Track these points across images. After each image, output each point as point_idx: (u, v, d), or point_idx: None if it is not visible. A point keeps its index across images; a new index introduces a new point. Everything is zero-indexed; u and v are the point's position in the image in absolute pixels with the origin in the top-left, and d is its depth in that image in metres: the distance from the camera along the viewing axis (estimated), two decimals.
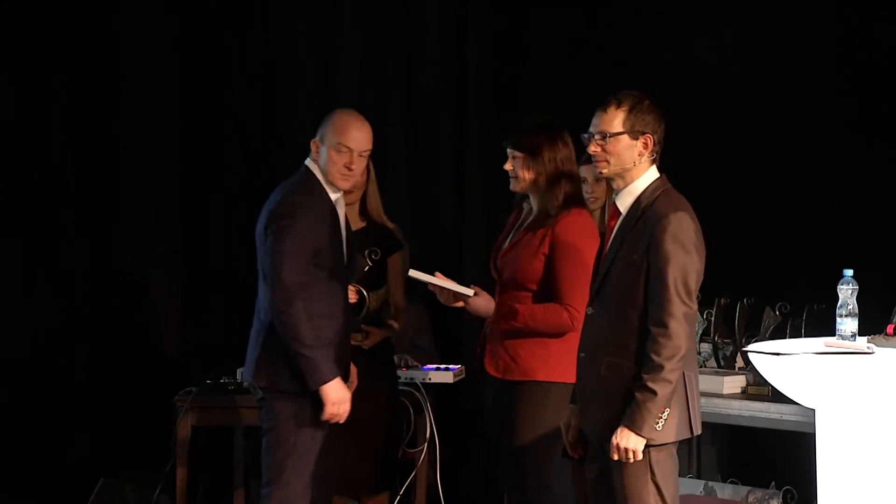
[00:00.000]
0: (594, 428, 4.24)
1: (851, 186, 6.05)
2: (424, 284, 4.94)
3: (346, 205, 5.30)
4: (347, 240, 5.09)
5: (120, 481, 6.59)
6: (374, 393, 5.58)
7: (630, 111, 4.22)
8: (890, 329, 4.41)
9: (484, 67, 6.97)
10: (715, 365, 5.67)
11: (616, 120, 4.22)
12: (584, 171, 5.46)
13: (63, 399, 7.00)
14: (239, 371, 6.01)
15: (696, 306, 4.17)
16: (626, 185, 4.26)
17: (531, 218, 4.95)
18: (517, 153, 4.91)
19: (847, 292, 4.34)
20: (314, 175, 4.98)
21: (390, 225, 5.82)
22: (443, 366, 6.28)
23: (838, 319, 4.35)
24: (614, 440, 4.11)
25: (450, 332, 6.74)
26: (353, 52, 7.22)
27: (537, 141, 4.88)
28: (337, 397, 4.86)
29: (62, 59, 7.07)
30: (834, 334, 4.38)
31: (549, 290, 4.83)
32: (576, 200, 4.90)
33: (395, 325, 5.80)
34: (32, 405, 6.94)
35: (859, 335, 4.37)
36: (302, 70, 7.29)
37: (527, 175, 4.89)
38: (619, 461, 4.13)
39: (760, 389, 5.32)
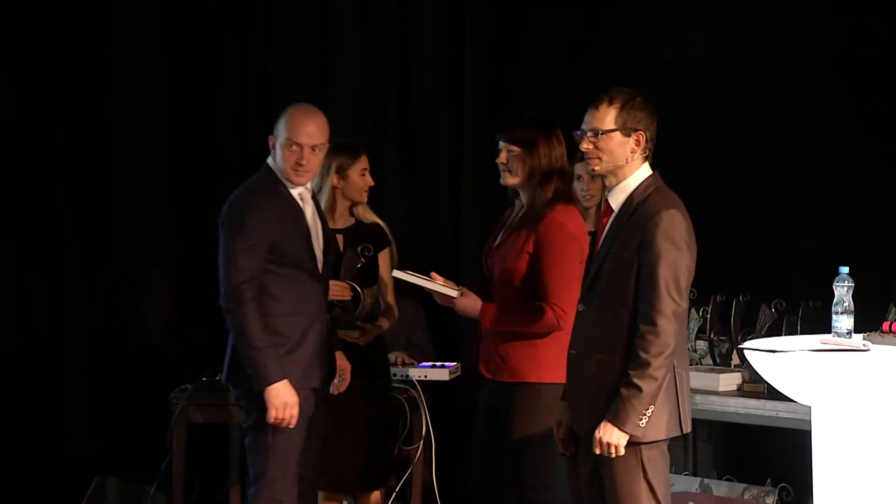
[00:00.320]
0: (584, 425, 4.24)
1: (848, 184, 6.05)
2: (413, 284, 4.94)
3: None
4: (325, 237, 5.05)
5: (116, 479, 6.60)
6: (367, 390, 5.59)
7: (622, 108, 4.21)
8: (885, 326, 4.40)
9: (481, 67, 6.97)
10: (711, 362, 5.66)
11: (608, 117, 4.22)
12: (580, 169, 5.46)
13: (59, 397, 7.00)
14: None
15: (686, 304, 4.16)
16: (618, 183, 4.25)
17: (520, 215, 4.94)
18: (513, 147, 4.89)
19: (843, 289, 4.33)
20: (273, 172, 4.95)
21: (378, 221, 5.78)
22: (439, 363, 6.28)
23: (834, 317, 4.34)
24: (597, 434, 4.12)
25: (446, 329, 6.74)
26: (350, 51, 7.21)
27: (534, 135, 4.87)
28: (280, 401, 4.78)
29: (62, 59, 7.07)
30: (830, 331, 4.37)
31: (536, 289, 4.83)
32: (564, 197, 4.89)
33: (387, 322, 5.79)
34: (28, 403, 6.94)
35: (855, 332, 4.36)
36: (297, 70, 7.29)
37: (522, 170, 4.88)
38: (609, 459, 4.13)
39: (756, 387, 5.32)
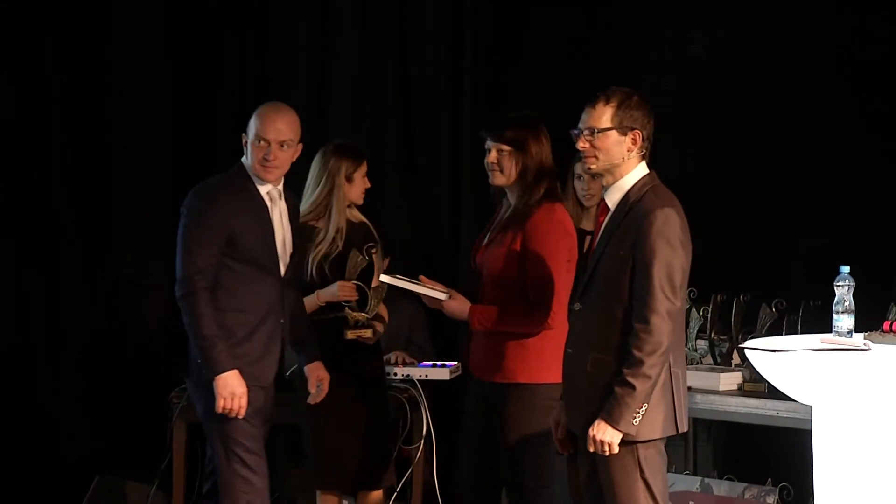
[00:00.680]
0: (581, 424, 4.24)
1: (848, 184, 6.05)
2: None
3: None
4: (294, 239, 5.01)
5: (116, 479, 6.59)
6: (364, 390, 5.59)
7: (618, 107, 4.22)
8: (886, 326, 4.41)
9: (481, 67, 6.96)
10: (711, 361, 5.67)
11: (604, 116, 4.22)
12: (580, 168, 5.46)
13: (59, 397, 6.99)
14: None
15: (680, 303, 4.16)
16: (614, 181, 4.26)
17: (507, 214, 4.93)
18: (504, 146, 4.88)
19: (843, 289, 4.34)
20: (244, 169, 4.95)
21: (364, 220, 5.76)
22: (439, 363, 6.28)
23: (835, 316, 4.35)
24: (591, 432, 4.12)
25: (446, 329, 6.73)
26: (350, 51, 7.21)
27: (524, 135, 4.87)
28: (227, 391, 4.78)
29: (62, 59, 7.07)
30: (830, 331, 4.38)
31: (525, 288, 4.82)
32: (553, 195, 4.88)
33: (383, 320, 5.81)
34: (28, 403, 6.93)
35: (856, 332, 4.37)
36: (297, 70, 7.28)
37: (514, 169, 4.87)
38: (606, 459, 4.14)
39: (757, 386, 5.32)
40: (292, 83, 7.25)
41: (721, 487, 5.56)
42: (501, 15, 6.94)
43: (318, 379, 5.17)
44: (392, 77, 7.16)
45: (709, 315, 5.63)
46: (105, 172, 7.15)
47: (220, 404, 4.79)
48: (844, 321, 4.35)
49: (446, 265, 6.86)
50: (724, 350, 5.63)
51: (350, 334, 5.53)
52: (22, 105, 6.99)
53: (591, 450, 4.14)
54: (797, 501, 5.41)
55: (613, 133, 4.22)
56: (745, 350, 4.54)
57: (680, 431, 4.23)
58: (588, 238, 4.84)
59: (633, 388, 4.08)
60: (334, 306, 5.57)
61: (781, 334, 5.12)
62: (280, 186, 4.99)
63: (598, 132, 4.22)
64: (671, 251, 4.11)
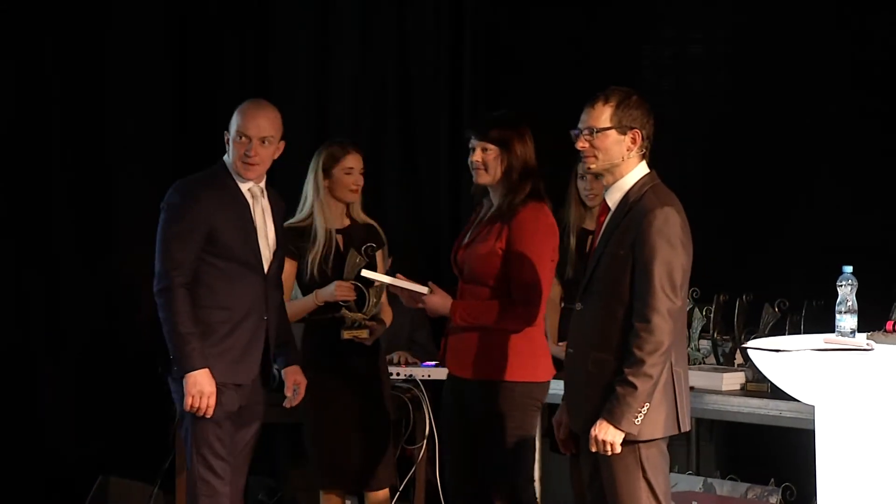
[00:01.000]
0: (582, 424, 4.24)
1: (851, 183, 6.06)
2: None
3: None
4: (278, 237, 4.99)
5: (118, 478, 6.59)
6: (366, 390, 5.58)
7: (618, 106, 4.22)
8: (889, 326, 4.41)
9: (480, 67, 6.97)
10: (714, 361, 5.66)
11: (604, 115, 4.22)
12: (583, 168, 5.45)
13: (60, 397, 6.99)
14: None
15: (681, 302, 4.16)
16: (614, 181, 4.26)
17: (490, 213, 4.93)
18: (489, 146, 4.88)
19: (846, 289, 4.34)
20: (225, 166, 4.94)
21: (371, 222, 5.76)
22: None
23: (837, 316, 4.35)
24: (593, 432, 4.12)
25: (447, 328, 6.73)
26: (350, 51, 7.22)
27: (509, 134, 4.87)
28: (196, 389, 4.76)
29: (62, 59, 7.07)
30: (833, 331, 4.38)
31: (507, 286, 4.81)
32: (538, 195, 4.88)
33: (386, 321, 5.80)
34: (29, 403, 6.93)
35: (858, 332, 4.37)
36: (297, 70, 7.29)
37: (498, 168, 4.87)
38: (608, 458, 4.14)
39: (759, 386, 5.32)
40: (292, 83, 7.25)
41: (724, 487, 5.56)
42: (501, 15, 6.94)
43: (294, 383, 5.10)
44: (392, 77, 7.16)
45: (711, 315, 5.63)
46: (105, 172, 7.15)
47: (188, 402, 4.77)
48: (847, 321, 4.35)
49: (446, 265, 6.84)
50: (727, 350, 5.62)
51: (346, 334, 5.52)
52: (22, 105, 7.00)
53: (593, 450, 4.13)
54: (800, 502, 5.41)
55: (612, 132, 4.22)
56: (748, 350, 4.54)
57: (682, 431, 4.23)
58: (590, 238, 4.85)
59: (634, 387, 4.08)
60: (333, 306, 5.56)
61: (784, 334, 5.12)
62: (262, 184, 4.97)
63: (598, 132, 4.22)
64: (671, 250, 4.11)
